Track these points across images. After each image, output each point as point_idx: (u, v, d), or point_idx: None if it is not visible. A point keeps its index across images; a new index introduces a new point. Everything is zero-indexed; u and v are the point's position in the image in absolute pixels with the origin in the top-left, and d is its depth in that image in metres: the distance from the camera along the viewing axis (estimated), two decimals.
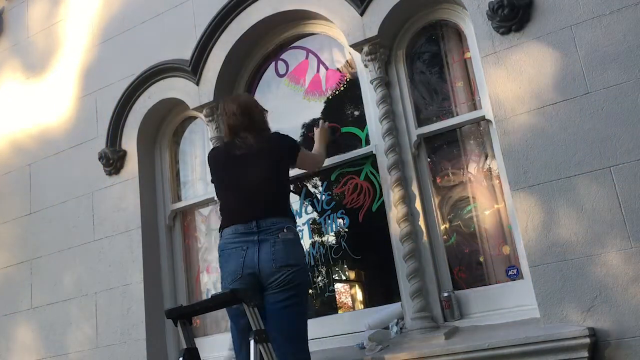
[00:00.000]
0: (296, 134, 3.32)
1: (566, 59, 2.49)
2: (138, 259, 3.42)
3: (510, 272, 2.68)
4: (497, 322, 2.57)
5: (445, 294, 2.71)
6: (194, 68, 3.45)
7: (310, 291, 3.10)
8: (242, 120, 2.56)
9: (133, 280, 3.41)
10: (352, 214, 3.13)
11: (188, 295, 3.52)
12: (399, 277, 2.83)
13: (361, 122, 3.16)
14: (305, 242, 3.21)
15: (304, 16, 3.33)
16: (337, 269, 3.23)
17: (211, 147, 3.44)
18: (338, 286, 3.22)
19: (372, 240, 3.13)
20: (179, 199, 3.69)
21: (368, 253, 3.15)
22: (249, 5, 3.35)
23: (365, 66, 3.04)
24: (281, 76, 3.49)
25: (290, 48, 3.50)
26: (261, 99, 3.11)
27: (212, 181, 2.70)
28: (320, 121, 3.13)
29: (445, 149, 2.97)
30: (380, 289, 3.19)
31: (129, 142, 3.66)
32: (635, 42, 2.38)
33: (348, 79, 3.29)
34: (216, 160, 2.63)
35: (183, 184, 3.74)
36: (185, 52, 3.51)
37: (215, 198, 3.37)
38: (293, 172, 2.99)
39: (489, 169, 2.85)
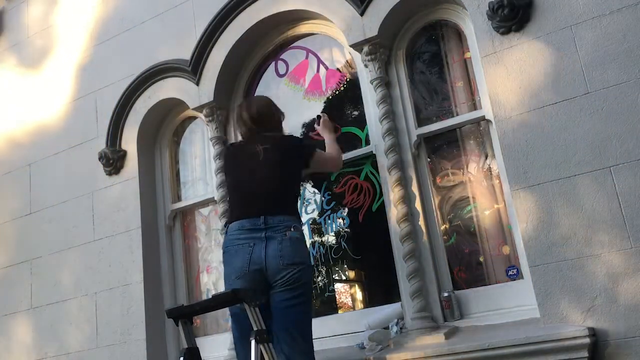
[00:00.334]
0: (296, 134, 3.31)
1: (566, 59, 2.49)
2: (138, 259, 3.42)
3: (510, 272, 2.68)
4: (497, 322, 2.57)
5: (445, 294, 2.71)
6: (193, 68, 3.45)
7: None
8: (258, 120, 2.62)
9: (133, 280, 3.41)
10: (352, 214, 3.13)
11: (188, 295, 3.52)
12: (399, 277, 2.83)
13: (361, 122, 3.16)
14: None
15: (304, 16, 3.33)
16: (337, 269, 3.23)
17: (211, 147, 3.46)
18: (338, 286, 3.23)
19: (372, 240, 3.13)
20: (178, 199, 3.69)
21: (368, 253, 3.15)
22: (249, 5, 3.35)
23: (365, 66, 3.04)
24: (281, 76, 3.49)
25: (290, 48, 3.50)
26: None
27: (224, 177, 2.76)
28: (317, 115, 3.08)
29: (445, 149, 2.97)
30: (380, 289, 3.20)
31: (129, 142, 3.66)
32: (635, 42, 2.38)
33: (348, 79, 3.29)
34: (232, 157, 2.67)
35: (183, 184, 3.73)
36: (185, 52, 3.51)
37: (215, 198, 3.39)
38: None
39: (489, 169, 2.85)
